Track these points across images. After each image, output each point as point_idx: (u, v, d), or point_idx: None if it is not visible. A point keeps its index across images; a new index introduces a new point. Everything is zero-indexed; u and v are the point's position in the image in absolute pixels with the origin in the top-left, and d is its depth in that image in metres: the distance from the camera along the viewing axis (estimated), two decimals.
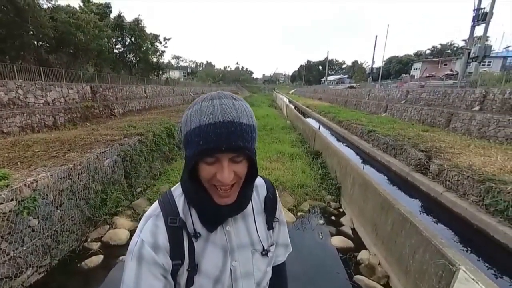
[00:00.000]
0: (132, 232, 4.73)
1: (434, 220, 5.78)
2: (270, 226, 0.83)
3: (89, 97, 12.88)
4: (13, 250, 3.40)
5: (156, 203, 0.74)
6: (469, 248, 4.76)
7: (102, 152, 5.46)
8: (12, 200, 3.43)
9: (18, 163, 4.55)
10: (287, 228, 0.97)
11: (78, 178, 4.67)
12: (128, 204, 5.51)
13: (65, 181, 4.38)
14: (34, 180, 3.83)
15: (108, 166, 5.55)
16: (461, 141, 8.84)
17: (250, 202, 0.78)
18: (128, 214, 5.22)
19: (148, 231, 0.68)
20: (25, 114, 8.30)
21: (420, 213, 6.05)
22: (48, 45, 14.54)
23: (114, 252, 4.32)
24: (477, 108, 11.28)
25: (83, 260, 4.10)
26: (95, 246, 4.43)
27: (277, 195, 0.90)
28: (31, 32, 12.71)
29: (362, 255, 4.10)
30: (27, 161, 4.68)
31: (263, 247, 0.79)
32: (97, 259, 4.14)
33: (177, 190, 0.76)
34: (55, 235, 4.06)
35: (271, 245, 0.83)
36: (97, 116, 11.82)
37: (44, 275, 3.80)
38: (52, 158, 4.89)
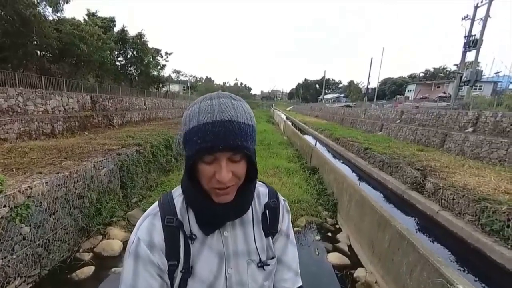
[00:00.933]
0: (125, 243, 4.64)
1: (430, 238, 5.75)
2: (266, 234, 0.79)
3: (89, 106, 12.93)
4: (2, 259, 3.31)
5: (155, 203, 0.74)
6: (465, 268, 4.73)
7: (99, 161, 5.43)
8: (5, 206, 3.38)
9: (14, 169, 4.52)
10: (297, 252, 0.88)
11: (73, 186, 4.62)
12: (123, 214, 5.43)
13: (60, 189, 4.32)
14: (28, 186, 3.79)
15: (104, 175, 5.51)
16: (456, 161, 8.96)
17: (251, 210, 0.76)
18: (122, 225, 5.13)
19: (145, 229, 0.68)
20: (23, 121, 8.29)
21: (417, 231, 6.02)
22: (51, 55, 14.76)
23: (106, 264, 4.22)
24: (470, 129, 11.50)
25: (74, 271, 3.98)
26: (87, 256, 4.33)
27: (283, 206, 0.85)
28: (35, 42, 12.94)
29: (359, 272, 4.04)
30: (22, 167, 4.65)
31: (260, 258, 0.76)
32: (88, 270, 4.03)
33: (177, 191, 0.76)
34: (47, 244, 3.96)
35: (271, 258, 0.79)
36: (96, 126, 11.83)
37: (32, 285, 3.68)
38: (48, 165, 4.86)
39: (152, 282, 0.65)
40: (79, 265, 4.12)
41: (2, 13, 11.04)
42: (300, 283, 0.87)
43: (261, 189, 0.84)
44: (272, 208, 0.81)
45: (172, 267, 0.67)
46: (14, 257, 3.46)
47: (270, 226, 0.80)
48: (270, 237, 0.80)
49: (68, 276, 3.92)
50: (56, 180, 4.28)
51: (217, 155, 0.60)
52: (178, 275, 0.68)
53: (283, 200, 0.87)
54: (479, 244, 4.94)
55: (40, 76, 11.27)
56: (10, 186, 3.69)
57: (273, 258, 0.79)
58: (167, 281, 0.68)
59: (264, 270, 0.76)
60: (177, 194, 0.74)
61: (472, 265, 4.78)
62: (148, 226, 0.68)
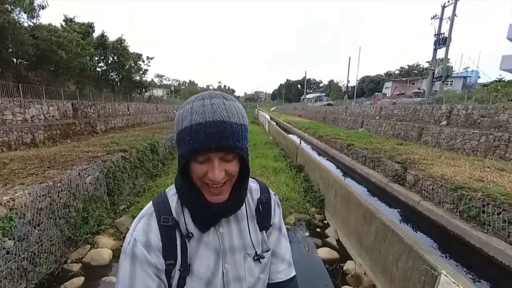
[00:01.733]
0: (115, 251, 4.56)
1: (413, 228, 6.00)
2: (261, 228, 0.82)
3: (70, 114, 12.51)
4: None
5: (150, 203, 0.74)
6: (447, 254, 4.95)
7: (84, 169, 5.31)
8: None
9: None
10: (289, 244, 0.91)
11: (58, 196, 4.50)
12: (111, 222, 5.32)
13: (44, 199, 4.19)
14: (10, 198, 3.66)
15: (90, 183, 5.39)
16: (433, 153, 9.37)
17: (245, 206, 0.78)
18: (111, 233, 5.03)
19: (141, 230, 0.68)
20: (1, 132, 7.91)
21: (400, 222, 6.25)
22: (28, 62, 14.13)
23: (96, 273, 4.13)
24: (444, 122, 12.07)
25: (63, 283, 3.86)
26: (76, 267, 4.21)
27: (274, 200, 0.88)
28: (11, 50, 12.38)
29: (348, 265, 4.15)
30: (3, 179, 4.47)
31: (256, 252, 0.78)
32: (77, 281, 3.92)
33: (171, 190, 0.76)
34: (32, 257, 3.83)
35: (266, 251, 0.81)
36: (79, 133, 11.47)
37: None
38: (31, 175, 4.70)
39: (150, 283, 0.65)
40: (68, 277, 4.00)
41: None
42: (294, 273, 0.90)
43: (253, 185, 0.86)
44: (264, 203, 0.84)
45: (170, 266, 0.68)
46: None
47: (263, 220, 0.82)
48: (264, 231, 0.83)
49: None
50: (40, 191, 4.15)
51: (209, 155, 0.61)
52: (176, 274, 0.68)
53: (274, 194, 0.90)
54: (459, 230, 5.20)
55: (18, 84, 10.77)
56: None
57: (268, 251, 0.82)
58: (165, 281, 0.68)
59: (260, 263, 0.78)
60: (172, 194, 0.75)
61: (453, 251, 5.01)
62: (144, 226, 0.69)
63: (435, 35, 18.80)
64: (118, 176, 6.24)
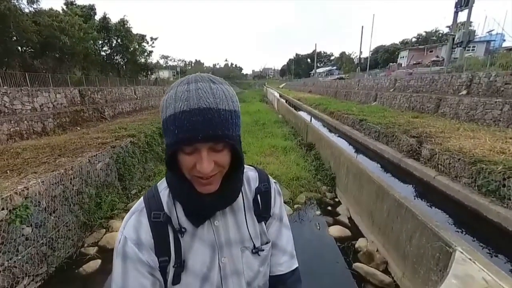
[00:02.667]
0: None
1: (428, 204, 5.87)
2: (259, 219, 0.78)
3: (78, 101, 12.65)
4: (8, 260, 3.32)
5: (141, 198, 0.71)
6: (463, 230, 4.84)
7: (94, 156, 5.38)
8: (3, 209, 3.36)
9: (8, 171, 4.46)
10: (291, 234, 0.87)
11: (70, 183, 4.60)
12: (124, 206, 5.46)
13: (57, 187, 4.30)
14: (25, 187, 3.75)
15: (101, 169, 5.47)
16: (451, 125, 8.99)
17: (241, 197, 0.74)
18: (124, 217, 5.16)
19: (131, 227, 0.66)
20: (12, 122, 8.11)
21: (415, 198, 6.13)
22: (32, 50, 14.18)
23: (111, 256, 4.19)
24: (464, 92, 11.46)
25: (81, 266, 4.04)
26: (92, 251, 4.38)
27: (274, 189, 0.83)
28: (14, 38, 12.37)
29: (360, 243, 4.14)
30: (17, 168, 4.59)
31: (254, 245, 0.74)
32: (94, 264, 4.09)
33: (162, 184, 0.73)
34: (51, 242, 3.99)
35: (265, 244, 0.78)
36: (87, 120, 11.63)
37: (41, 283, 3.73)
38: (43, 164, 4.80)
39: (143, 281, 0.63)
40: (86, 260, 4.17)
41: None
42: (296, 265, 0.86)
43: (250, 173, 0.81)
44: (263, 193, 0.79)
45: (163, 263, 0.65)
46: (19, 257, 3.49)
47: (262, 211, 0.78)
48: (263, 222, 0.79)
49: (76, 271, 3.97)
50: (52, 179, 4.24)
51: (197, 146, 0.56)
52: (171, 271, 0.66)
53: (274, 182, 0.85)
54: (476, 205, 5.05)
55: (24, 73, 10.88)
56: (6, 188, 3.66)
57: (267, 243, 0.78)
58: (159, 278, 0.66)
59: (259, 256, 0.75)
60: (163, 188, 0.71)
61: (470, 227, 4.89)
62: (134, 223, 0.66)
63: None
64: (128, 161, 6.31)
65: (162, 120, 0.59)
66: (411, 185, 6.81)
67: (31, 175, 4.24)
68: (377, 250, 3.85)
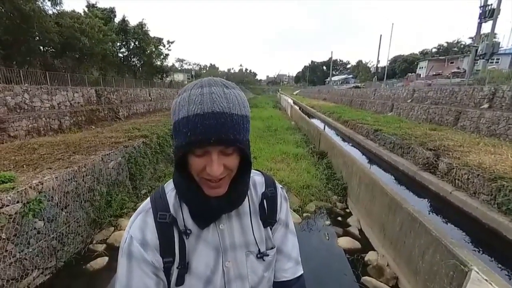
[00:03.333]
0: None
1: (443, 220, 5.65)
2: (264, 224, 0.78)
3: (94, 100, 13.02)
4: (19, 252, 3.40)
5: (148, 199, 0.72)
6: (480, 248, 4.64)
7: (107, 154, 5.47)
8: (17, 202, 3.44)
9: (24, 165, 4.59)
10: (296, 240, 0.87)
11: (83, 180, 4.68)
12: (133, 206, 5.51)
13: (70, 183, 4.39)
14: (39, 182, 3.84)
15: (112, 168, 5.56)
16: (470, 139, 8.66)
17: (248, 201, 0.75)
18: None
19: (137, 227, 0.66)
20: (31, 118, 8.40)
21: (429, 213, 5.93)
22: (53, 50, 14.77)
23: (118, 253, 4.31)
24: (486, 105, 11.06)
25: (88, 262, 4.08)
26: (100, 248, 4.42)
27: (281, 194, 0.83)
28: (37, 38, 12.90)
29: (370, 256, 4.02)
30: (32, 163, 4.72)
31: (259, 249, 0.74)
32: (102, 261, 4.12)
33: (169, 185, 0.74)
34: (61, 237, 4.06)
35: (270, 249, 0.78)
36: (102, 119, 11.93)
37: (49, 277, 3.79)
38: (58, 160, 4.92)
39: (147, 281, 0.64)
40: (93, 256, 4.22)
41: (3, 10, 10.98)
42: (301, 272, 0.86)
43: (257, 178, 0.81)
44: (269, 198, 0.80)
45: (168, 264, 0.66)
46: (30, 250, 3.56)
47: (268, 216, 0.79)
48: (268, 228, 0.79)
49: (83, 267, 4.02)
50: (66, 175, 4.33)
51: (208, 148, 0.57)
52: (175, 272, 0.66)
53: (281, 188, 0.85)
54: (495, 224, 4.82)
55: (45, 72, 11.33)
56: (22, 182, 3.75)
57: (272, 248, 0.78)
58: (163, 279, 0.66)
59: (264, 261, 0.75)
60: (170, 189, 0.72)
61: (488, 246, 4.68)
62: (140, 223, 0.67)
63: (480, 7, 16.94)
64: (139, 161, 6.40)
65: (173, 122, 0.60)
66: (426, 199, 6.59)
67: (46, 170, 4.35)
68: (387, 265, 3.76)
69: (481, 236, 4.91)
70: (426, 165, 7.37)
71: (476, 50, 17.24)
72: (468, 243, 4.81)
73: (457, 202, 5.85)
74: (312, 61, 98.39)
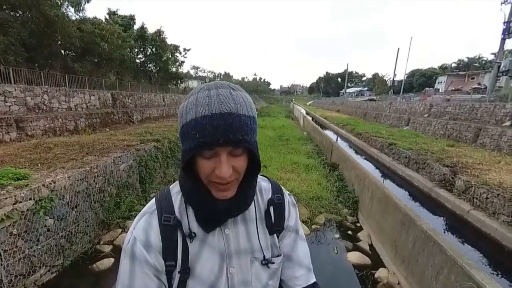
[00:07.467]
0: None
1: (460, 239, 5.41)
2: (271, 232, 0.76)
3: (110, 103, 13.39)
4: (28, 249, 3.45)
5: (152, 200, 0.71)
6: (499, 272, 4.41)
7: (119, 157, 5.56)
8: (30, 199, 3.52)
9: (39, 164, 4.71)
10: (307, 247, 0.84)
11: (94, 181, 4.76)
12: (141, 208, 5.51)
13: (81, 183, 4.46)
14: (52, 181, 3.93)
15: (123, 170, 5.63)
16: (490, 157, 8.32)
17: (253, 206, 0.74)
18: None
19: (141, 228, 0.65)
20: (48, 118, 8.70)
21: (445, 232, 5.69)
22: (74, 54, 15.34)
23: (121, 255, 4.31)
24: (508, 123, 10.65)
25: (95, 262, 4.11)
26: (107, 249, 4.45)
27: (288, 201, 0.82)
28: (59, 42, 13.47)
29: (380, 273, 3.88)
30: (47, 162, 4.84)
31: (264, 256, 0.73)
32: (108, 262, 4.14)
33: (175, 188, 0.73)
34: (69, 236, 4.11)
35: (276, 256, 0.76)
36: (116, 122, 12.22)
37: (56, 274, 3.84)
38: (71, 160, 5.03)
39: (149, 283, 0.63)
40: (100, 257, 4.24)
41: (29, 15, 11.54)
42: (314, 279, 0.83)
43: (263, 183, 0.80)
44: (276, 204, 0.78)
45: (170, 267, 0.64)
46: (39, 247, 3.61)
47: (275, 224, 0.77)
48: (275, 235, 0.77)
49: (89, 267, 4.05)
50: (78, 175, 4.41)
51: (216, 150, 0.57)
52: (176, 276, 0.65)
53: (289, 194, 0.84)
54: None
55: (64, 74, 11.77)
56: (35, 180, 3.85)
57: (278, 256, 0.76)
58: (165, 282, 0.65)
59: (269, 268, 0.74)
60: (175, 191, 0.71)
61: (507, 269, 4.43)
62: (144, 225, 0.66)
63: (504, 22, 16.51)
64: (150, 165, 6.47)
65: (181, 126, 0.60)
66: (442, 217, 6.32)
67: (59, 169, 4.45)
68: (398, 283, 3.62)
69: (500, 259, 4.66)
70: (443, 181, 7.11)
71: (499, 66, 16.80)
72: (486, 265, 4.58)
73: (475, 222, 5.58)
74: (327, 72, 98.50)
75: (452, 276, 2.59)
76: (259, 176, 0.76)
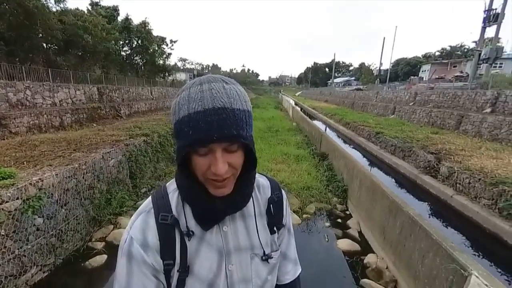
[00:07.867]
0: None
1: (444, 223, 5.63)
2: (272, 230, 0.77)
3: (96, 98, 13.04)
4: (18, 249, 3.40)
5: (149, 198, 0.70)
6: (481, 253, 4.62)
7: (108, 152, 5.47)
8: (17, 198, 3.44)
9: (25, 162, 4.59)
10: (294, 241, 0.88)
11: (83, 177, 4.68)
12: (133, 204, 5.51)
13: (70, 181, 4.38)
14: (39, 179, 3.84)
15: (113, 166, 5.56)
16: (472, 143, 8.63)
17: (252, 203, 0.73)
18: (132, 215, 5.20)
19: (138, 228, 0.64)
20: (32, 115, 8.41)
21: (430, 217, 5.90)
22: (56, 47, 14.76)
23: (117, 252, 4.29)
24: (488, 110, 11.02)
25: (87, 260, 4.08)
26: (99, 246, 4.42)
27: (285, 199, 0.83)
28: (40, 35, 12.91)
29: (369, 258, 4.01)
30: (33, 160, 4.72)
31: (264, 251, 0.73)
32: (101, 259, 4.12)
33: (172, 185, 0.71)
34: (60, 234, 4.05)
35: (275, 251, 0.76)
36: (104, 117, 11.95)
37: (48, 274, 3.79)
38: (58, 157, 4.92)
39: (147, 283, 0.62)
40: (92, 254, 4.21)
41: (6, 6, 11.01)
42: (300, 270, 0.89)
43: (261, 180, 0.80)
44: (276, 202, 0.78)
45: (168, 266, 0.64)
46: (29, 247, 3.55)
47: (276, 222, 0.78)
48: (275, 232, 0.79)
49: (82, 264, 4.01)
50: (66, 172, 4.33)
51: (211, 146, 0.55)
52: (175, 275, 0.64)
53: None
54: (496, 229, 4.80)
55: (47, 69, 11.37)
56: (22, 178, 3.75)
57: (276, 250, 0.77)
58: (163, 281, 0.65)
59: (268, 263, 0.74)
60: (172, 189, 0.70)
61: (488, 251, 4.65)
62: (141, 224, 0.65)
63: (485, 11, 16.86)
64: (140, 160, 6.40)
65: (174, 123, 0.59)
66: (427, 203, 6.56)
67: (46, 167, 4.35)
68: (387, 267, 3.75)
69: (482, 241, 4.88)
70: (427, 168, 7.35)
71: (480, 54, 17.21)
72: (469, 247, 4.79)
73: (458, 206, 5.82)
74: (314, 63, 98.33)
75: (437, 259, 2.70)
76: (256, 174, 0.76)
